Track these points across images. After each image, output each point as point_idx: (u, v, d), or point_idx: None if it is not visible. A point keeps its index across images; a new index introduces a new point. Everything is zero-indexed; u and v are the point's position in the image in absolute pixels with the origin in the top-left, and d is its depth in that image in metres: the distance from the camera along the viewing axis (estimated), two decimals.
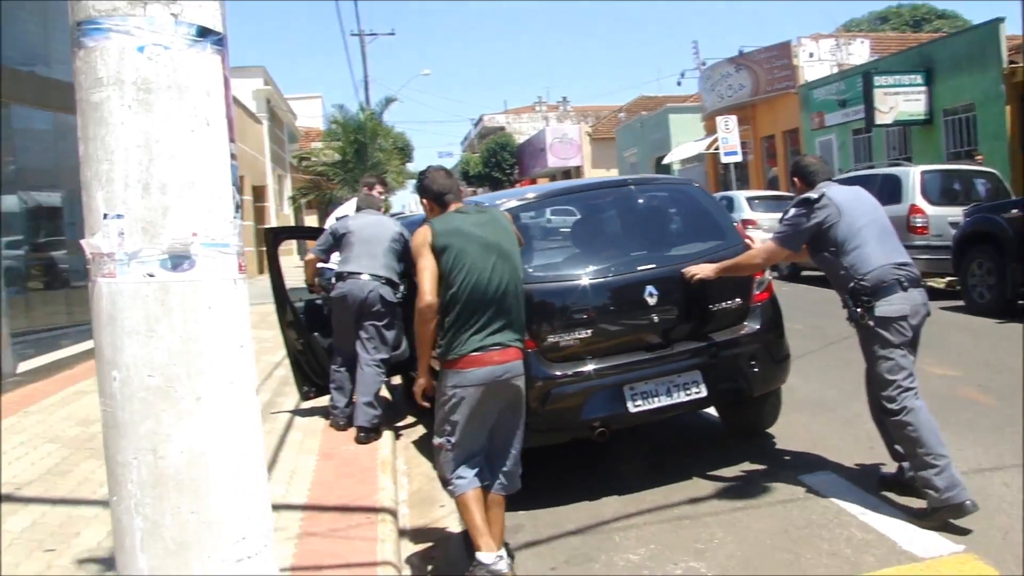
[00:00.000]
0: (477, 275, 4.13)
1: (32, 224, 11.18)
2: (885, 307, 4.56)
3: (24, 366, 9.43)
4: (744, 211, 19.30)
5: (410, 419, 7.95)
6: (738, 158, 27.31)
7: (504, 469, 4.35)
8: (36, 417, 7.67)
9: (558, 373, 5.16)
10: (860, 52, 28.13)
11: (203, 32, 2.27)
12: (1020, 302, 10.84)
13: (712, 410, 6.66)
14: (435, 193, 4.45)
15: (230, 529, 2.23)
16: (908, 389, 4.61)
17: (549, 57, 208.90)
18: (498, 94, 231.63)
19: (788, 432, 6.43)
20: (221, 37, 2.33)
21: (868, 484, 5.24)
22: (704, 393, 5.34)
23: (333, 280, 7.00)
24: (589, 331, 5.22)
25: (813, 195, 4.83)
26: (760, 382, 5.66)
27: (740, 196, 20.14)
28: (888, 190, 13.81)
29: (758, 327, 5.62)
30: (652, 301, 5.28)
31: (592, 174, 52.05)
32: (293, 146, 39.01)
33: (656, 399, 5.22)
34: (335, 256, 7.13)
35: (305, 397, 7.64)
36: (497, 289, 4.16)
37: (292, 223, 30.81)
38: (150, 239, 2.18)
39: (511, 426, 4.35)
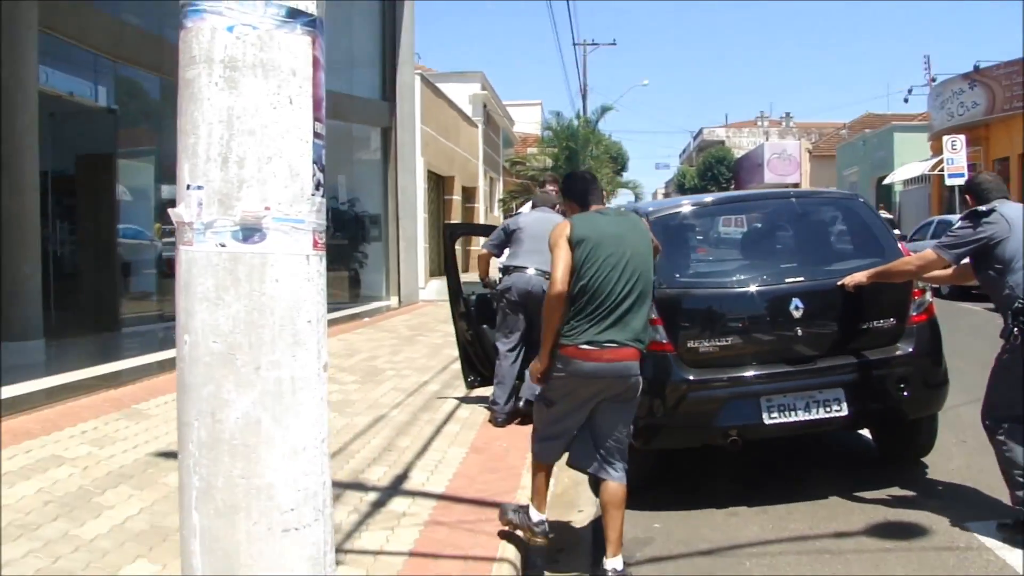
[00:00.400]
0: (608, 271, 4.20)
1: None
2: None
3: None
4: None
5: None
6: (963, 180, 25.60)
7: (608, 457, 4.36)
8: None
9: (695, 378, 5.19)
10: None
11: (293, 13, 2.32)
12: None
13: (867, 432, 6.38)
14: (579, 192, 4.57)
15: (280, 498, 2.27)
16: None
17: (773, 71, 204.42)
18: (719, 107, 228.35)
19: (944, 461, 5.98)
20: (313, 19, 2.37)
21: None
22: (845, 412, 5.18)
23: (501, 274, 7.18)
24: (729, 339, 5.24)
25: (983, 208, 4.66)
26: (910, 407, 5.44)
27: (956, 220, 18.89)
28: None
29: (911, 349, 5.37)
30: (798, 314, 5.19)
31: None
32: (508, 150, 39.82)
33: (793, 413, 5.13)
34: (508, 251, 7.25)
35: (471, 387, 7.94)
36: (623, 288, 4.20)
37: None
38: (225, 210, 2.25)
39: (615, 418, 4.35)
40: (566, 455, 4.57)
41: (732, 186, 62.83)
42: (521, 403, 6.98)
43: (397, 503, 5.23)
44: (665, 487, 5.66)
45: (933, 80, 32.63)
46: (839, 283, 5.25)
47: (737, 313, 5.36)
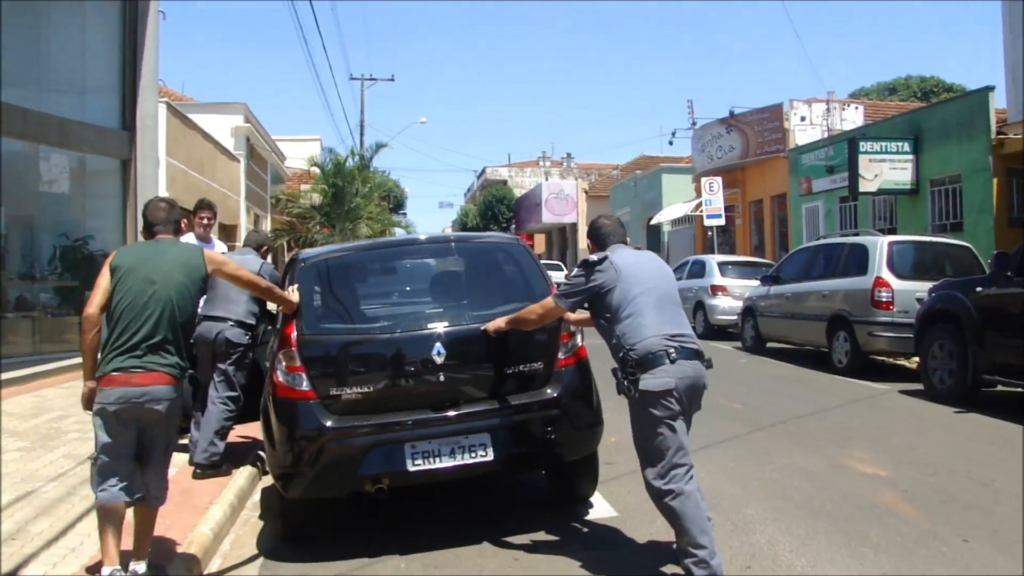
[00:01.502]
0: (132, 298, 4.47)
1: None
2: (649, 380, 4.43)
3: None
4: (715, 276, 18.45)
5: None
6: (720, 221, 26.42)
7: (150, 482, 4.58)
8: None
9: (336, 425, 5.16)
10: (854, 118, 27.33)
11: None
12: (983, 389, 9.80)
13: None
14: (148, 223, 4.86)
15: None
16: (678, 466, 4.44)
17: (555, 112, 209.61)
18: (503, 147, 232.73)
19: (649, 522, 5.58)
20: None
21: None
22: (491, 457, 5.18)
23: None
24: (372, 386, 5.25)
25: (594, 257, 4.77)
26: (559, 450, 5.47)
27: (711, 261, 19.26)
28: (854, 260, 12.90)
29: (558, 393, 5.42)
30: (440, 359, 5.22)
31: (586, 232, 51.33)
32: (281, 187, 38.37)
33: (439, 459, 5.14)
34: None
35: None
36: (149, 315, 4.46)
37: None
38: None
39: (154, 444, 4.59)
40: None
41: (513, 226, 63.61)
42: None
43: None
44: (330, 534, 5.78)
45: (695, 124, 33.75)
46: (481, 329, 5.29)
47: (380, 359, 5.37)
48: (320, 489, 5.29)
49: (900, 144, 19.95)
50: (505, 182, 68.33)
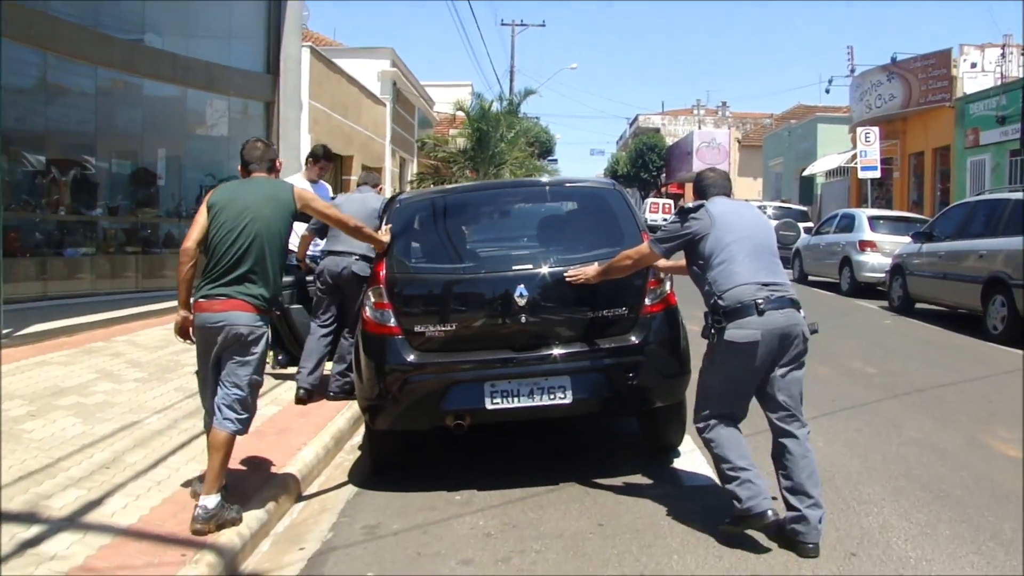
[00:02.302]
0: (224, 233, 4.69)
1: None
2: (734, 331, 4.38)
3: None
4: (864, 231, 17.46)
5: None
6: (876, 174, 25.07)
7: (220, 405, 4.69)
8: None
9: (420, 361, 5.31)
10: None
11: None
12: None
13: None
14: (244, 162, 5.05)
15: None
16: (724, 416, 4.59)
17: (710, 60, 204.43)
18: (657, 95, 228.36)
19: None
20: None
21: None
22: (568, 400, 5.25)
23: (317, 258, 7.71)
24: (455, 324, 5.36)
25: (691, 204, 4.76)
26: (640, 397, 5.49)
27: (861, 214, 18.25)
28: (1018, 219, 11.86)
29: (641, 340, 5.39)
30: (522, 302, 5.26)
31: (739, 182, 50.08)
32: (429, 131, 38.58)
33: (516, 399, 5.23)
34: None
35: (278, 365, 8.30)
36: (239, 248, 4.66)
37: None
38: None
39: (231, 368, 4.73)
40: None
41: (663, 174, 62.53)
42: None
43: (58, 542, 4.27)
44: (413, 468, 5.96)
45: (853, 71, 32.03)
46: (566, 277, 5.29)
47: (463, 298, 5.50)
48: (404, 422, 5.44)
49: None
50: (658, 130, 67.43)
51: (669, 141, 62.55)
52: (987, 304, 12.00)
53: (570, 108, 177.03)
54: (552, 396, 5.22)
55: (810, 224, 25.05)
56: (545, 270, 5.44)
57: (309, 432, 6.46)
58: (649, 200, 54.29)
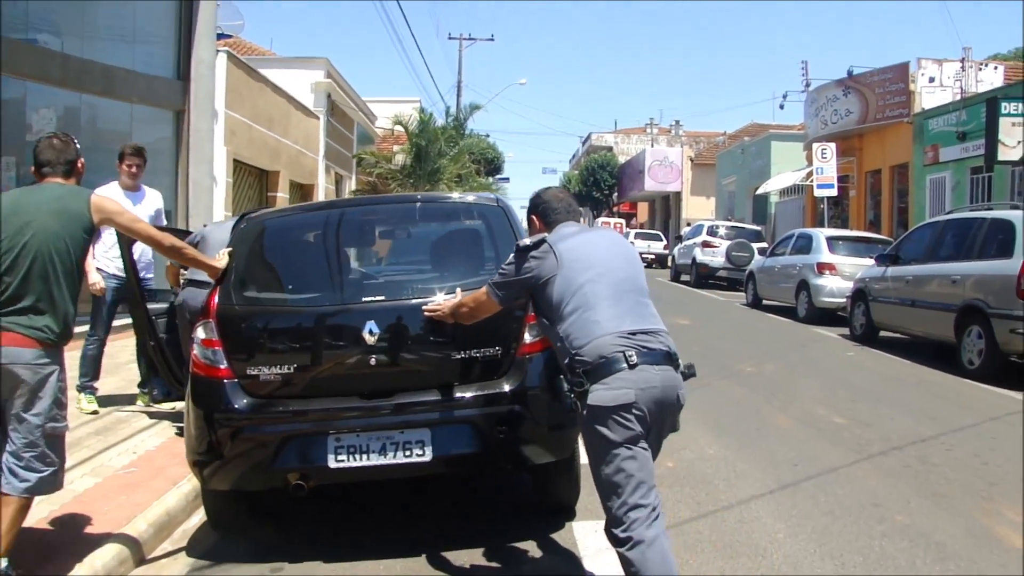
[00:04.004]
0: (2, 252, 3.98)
1: None
2: (600, 392, 3.50)
3: None
4: (822, 253, 16.21)
5: None
6: (832, 192, 23.92)
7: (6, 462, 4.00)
8: None
9: (252, 410, 4.56)
10: (992, 80, 24.27)
11: None
12: None
13: None
14: (37, 163, 4.32)
15: None
16: (637, 507, 3.46)
17: (663, 77, 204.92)
18: (610, 113, 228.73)
19: None
20: None
21: None
22: (428, 457, 4.47)
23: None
24: (295, 366, 4.61)
25: (528, 241, 3.95)
26: (515, 453, 4.67)
27: (819, 235, 16.96)
28: (994, 240, 10.61)
29: (516, 386, 4.55)
30: (371, 339, 4.50)
31: (691, 201, 49.31)
32: (371, 148, 37.10)
33: (365, 456, 4.47)
34: None
35: (152, 402, 7.47)
36: (17, 270, 3.96)
37: None
38: None
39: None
40: None
41: (615, 194, 61.56)
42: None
43: None
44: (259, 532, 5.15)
45: (808, 86, 30.99)
46: (424, 310, 4.52)
47: (304, 335, 4.72)
48: (235, 481, 4.67)
49: None
50: (611, 148, 66.75)
51: (622, 160, 61.64)
52: (961, 335, 10.69)
53: (522, 126, 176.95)
54: (408, 453, 4.46)
55: (764, 245, 23.88)
56: (399, 302, 4.73)
57: (163, 485, 5.55)
58: (600, 219, 53.25)
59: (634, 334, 3.57)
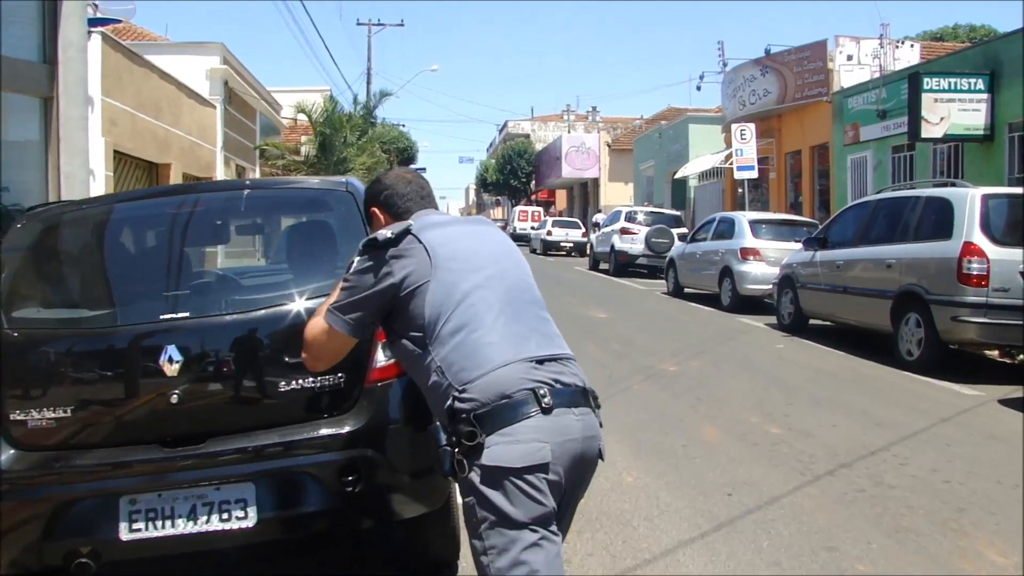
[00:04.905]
0: None
1: None
2: (501, 447, 2.36)
3: None
4: (746, 237, 15.35)
5: None
6: (753, 174, 23.21)
7: None
8: None
9: (20, 466, 3.42)
10: (909, 58, 23.76)
11: None
12: None
13: None
14: None
15: None
16: None
17: (579, 63, 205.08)
18: (527, 100, 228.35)
19: None
20: None
21: None
22: (251, 522, 3.35)
23: None
24: (73, 407, 3.45)
25: (386, 233, 2.61)
26: (370, 508, 3.57)
27: (742, 218, 16.11)
28: (932, 220, 9.78)
29: (367, 423, 3.48)
30: (172, 369, 3.39)
31: (609, 187, 48.55)
32: (276, 138, 35.54)
33: (169, 523, 3.34)
34: None
35: None
36: None
37: None
38: None
39: None
40: None
41: (532, 182, 60.67)
42: None
43: None
44: None
45: (725, 66, 30.27)
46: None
47: (87, 367, 3.58)
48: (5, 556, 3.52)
49: (972, 81, 16.60)
50: (528, 136, 65.98)
51: (539, 147, 60.79)
52: (898, 324, 9.85)
53: (438, 115, 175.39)
54: (226, 516, 3.38)
55: (684, 230, 23.07)
56: (213, 319, 3.62)
57: None
58: (518, 208, 52.28)
59: (542, 362, 2.51)
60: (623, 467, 5.77)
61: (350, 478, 3.45)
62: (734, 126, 24.10)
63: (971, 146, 17.22)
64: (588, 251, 29.34)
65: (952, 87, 16.62)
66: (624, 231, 23.93)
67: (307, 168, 27.51)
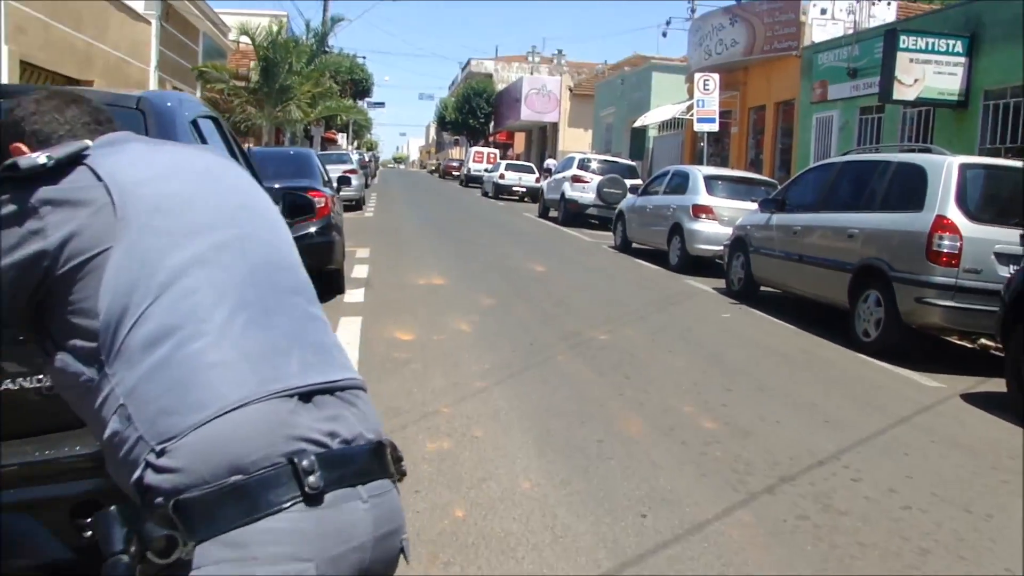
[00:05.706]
0: None
1: None
2: (227, 568, 1.28)
3: None
4: (699, 194, 14.35)
5: None
6: (714, 127, 22.17)
7: None
8: None
9: None
10: (884, 16, 22.69)
11: None
12: None
13: None
14: None
15: None
16: None
17: (548, 5, 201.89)
18: (492, 39, 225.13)
19: None
20: None
21: None
22: None
23: None
24: None
25: (42, 158, 1.43)
26: None
27: (696, 173, 15.09)
28: (902, 188, 8.79)
29: None
30: None
31: (568, 133, 47.42)
32: (221, 62, 33.81)
33: None
34: None
35: None
36: None
37: None
38: None
39: None
40: None
41: (492, 123, 59.31)
42: None
43: None
44: None
45: (693, 12, 29.10)
46: None
47: None
48: None
49: (951, 43, 15.63)
50: (491, 76, 64.37)
51: (501, 88, 59.30)
52: (856, 301, 8.92)
53: (401, 48, 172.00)
54: None
55: (638, 182, 22.04)
56: None
57: None
58: (474, 149, 50.84)
59: (309, 398, 1.45)
60: (521, 468, 4.74)
61: None
62: (697, 76, 22.98)
63: (943, 112, 16.28)
64: (539, 197, 28.24)
65: (929, 47, 15.64)
66: (576, 179, 22.78)
67: (248, 95, 25.96)
